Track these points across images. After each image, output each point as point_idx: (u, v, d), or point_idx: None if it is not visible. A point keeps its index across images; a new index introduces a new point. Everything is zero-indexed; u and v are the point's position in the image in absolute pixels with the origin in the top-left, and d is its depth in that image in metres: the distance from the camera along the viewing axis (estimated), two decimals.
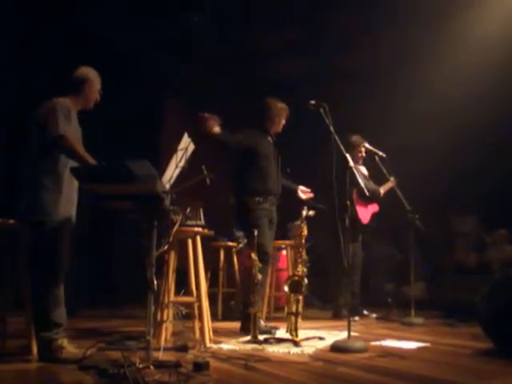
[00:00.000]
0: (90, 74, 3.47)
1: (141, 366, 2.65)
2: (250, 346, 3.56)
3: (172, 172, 3.32)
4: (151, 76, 7.16)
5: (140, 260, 3.93)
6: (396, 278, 7.33)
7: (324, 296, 6.53)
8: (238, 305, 5.77)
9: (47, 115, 3.19)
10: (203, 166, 5.13)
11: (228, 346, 3.60)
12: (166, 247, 3.35)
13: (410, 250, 5.20)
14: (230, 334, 4.34)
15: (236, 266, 5.78)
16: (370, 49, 7.45)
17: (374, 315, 5.51)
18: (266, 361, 3.06)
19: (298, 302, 3.66)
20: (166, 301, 3.68)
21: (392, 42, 7.18)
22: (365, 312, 5.51)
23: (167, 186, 3.36)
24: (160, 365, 2.76)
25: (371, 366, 2.93)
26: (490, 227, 7.68)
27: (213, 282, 5.71)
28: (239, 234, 5.70)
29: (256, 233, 3.99)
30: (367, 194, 4.13)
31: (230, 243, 5.80)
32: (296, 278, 3.71)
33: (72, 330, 4.00)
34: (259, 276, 3.82)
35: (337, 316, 5.38)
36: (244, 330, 4.17)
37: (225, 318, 5.42)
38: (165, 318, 3.68)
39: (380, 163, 5.11)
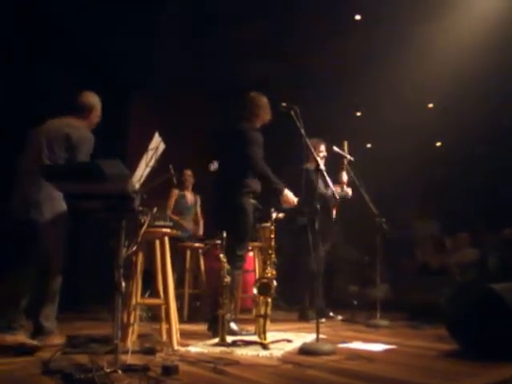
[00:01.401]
0: (96, 101, 3.92)
1: (108, 370, 2.59)
2: (218, 349, 3.54)
3: (142, 171, 3.27)
4: (118, 71, 7.03)
5: (105, 261, 3.89)
6: (360, 279, 7.42)
7: (290, 298, 6.54)
8: (204, 306, 5.74)
9: (80, 142, 3.67)
10: (170, 166, 5.08)
11: (196, 348, 3.56)
12: (134, 248, 3.30)
13: (377, 253, 5.25)
14: (197, 336, 4.30)
15: (202, 267, 5.75)
16: (336, 51, 7.52)
17: (340, 317, 5.55)
18: (234, 364, 3.03)
19: (266, 304, 3.64)
20: (134, 303, 3.62)
21: (358, 45, 7.29)
22: (331, 314, 5.54)
23: (137, 186, 3.31)
24: (128, 369, 2.70)
25: (340, 369, 2.94)
26: (451, 231, 7.87)
27: (179, 284, 5.65)
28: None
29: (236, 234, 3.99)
30: (337, 197, 4.15)
31: (197, 244, 5.75)
32: (265, 280, 3.69)
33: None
34: (227, 278, 3.78)
35: (303, 318, 5.39)
36: (213, 332, 4.14)
37: (191, 320, 5.37)
38: (132, 320, 3.62)
39: (348, 167, 5.14)
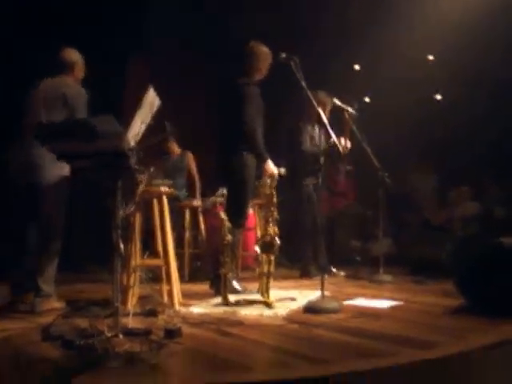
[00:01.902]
0: (77, 56, 3.89)
1: (109, 334, 2.51)
2: (221, 309, 3.46)
3: (138, 128, 3.11)
4: (114, 33, 6.79)
5: (104, 222, 3.79)
6: (362, 234, 7.36)
7: (291, 255, 6.47)
8: (205, 265, 5.68)
9: (77, 99, 3.66)
10: (166, 122, 4.92)
11: (198, 309, 3.49)
12: (132, 208, 3.20)
13: (380, 207, 5.15)
14: (199, 295, 4.23)
15: (202, 226, 5.65)
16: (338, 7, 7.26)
17: (343, 273, 5.48)
18: (238, 325, 2.97)
19: (269, 262, 3.56)
20: (133, 265, 3.53)
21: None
22: (333, 270, 5.48)
23: (132, 143, 3.17)
24: (129, 332, 2.62)
25: (346, 328, 2.87)
26: (452, 185, 7.78)
27: (178, 244, 5.57)
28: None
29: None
30: (341, 150, 4.02)
31: (195, 203, 5.64)
32: (267, 238, 3.59)
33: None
34: (228, 237, 3.68)
35: (306, 275, 5.33)
36: (215, 291, 4.08)
37: (192, 280, 5.31)
38: (132, 282, 3.54)
39: (350, 121, 4.98)
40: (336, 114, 5.20)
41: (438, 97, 9.38)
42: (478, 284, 3.29)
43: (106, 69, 6.65)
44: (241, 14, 7.37)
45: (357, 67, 9.33)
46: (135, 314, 3.19)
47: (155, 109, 3.29)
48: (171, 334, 2.58)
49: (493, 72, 7.51)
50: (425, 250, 5.60)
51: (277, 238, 3.56)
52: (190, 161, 6.15)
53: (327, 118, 5.17)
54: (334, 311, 3.28)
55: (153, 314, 3.26)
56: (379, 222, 5.25)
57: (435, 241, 6.30)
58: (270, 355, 2.47)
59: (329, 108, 5.20)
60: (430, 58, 8.84)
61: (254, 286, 3.96)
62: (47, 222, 3.64)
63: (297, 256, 5.78)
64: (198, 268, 5.70)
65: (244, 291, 4.12)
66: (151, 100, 3.12)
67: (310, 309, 3.34)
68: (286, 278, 5.32)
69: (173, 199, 5.28)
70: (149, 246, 4.01)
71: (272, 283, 3.73)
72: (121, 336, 2.54)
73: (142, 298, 3.80)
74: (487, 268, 3.24)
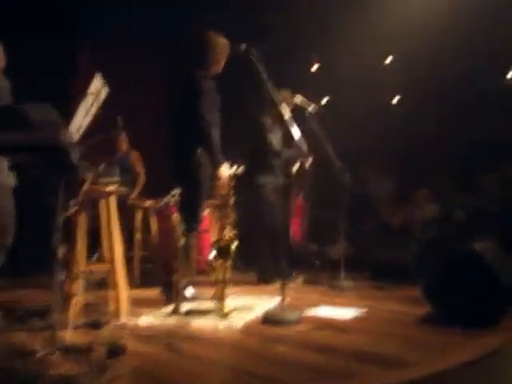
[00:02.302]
0: None
1: (43, 352, 2.20)
2: (172, 320, 3.17)
3: (81, 120, 2.80)
4: (64, 18, 6.41)
5: (45, 222, 3.45)
6: (318, 237, 7.16)
7: (246, 257, 6.20)
8: (156, 269, 5.37)
9: None
10: (119, 117, 4.58)
11: (147, 320, 3.19)
12: (74, 209, 2.88)
13: (341, 210, 4.95)
14: (149, 302, 3.93)
15: (154, 228, 5.33)
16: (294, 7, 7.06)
17: (301, 278, 5.26)
18: (192, 339, 2.68)
19: (225, 269, 3.29)
20: (77, 270, 3.21)
21: None
22: (293, 274, 5.24)
23: (76, 137, 2.85)
24: (68, 349, 2.32)
25: (310, 343, 2.63)
26: (410, 187, 7.69)
27: (128, 246, 5.24)
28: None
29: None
30: (305, 149, 3.79)
31: (147, 203, 5.31)
32: (223, 242, 3.32)
33: None
34: (182, 241, 3.39)
35: (262, 280, 5.08)
36: (166, 297, 3.80)
37: (143, 284, 4.98)
38: (75, 290, 3.21)
39: (311, 118, 4.76)
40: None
41: (395, 100, 9.34)
42: (446, 292, 3.12)
43: (53, 58, 6.30)
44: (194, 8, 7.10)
45: (314, 68, 9.20)
46: (77, 327, 2.88)
47: (102, 98, 2.99)
48: (114, 352, 2.29)
49: (453, 75, 7.47)
50: (384, 253, 5.44)
51: (233, 243, 3.29)
52: (135, 159, 5.86)
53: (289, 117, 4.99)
54: (295, 322, 3.05)
55: (96, 326, 2.95)
56: (337, 224, 5.05)
57: (394, 244, 6.17)
58: (226, 376, 2.20)
59: (291, 107, 4.98)
60: (388, 60, 8.78)
61: (209, 292, 3.68)
62: None
63: (253, 259, 5.53)
64: (149, 271, 5.37)
65: (198, 298, 3.84)
66: (98, 89, 2.82)
67: (268, 319, 3.09)
68: (242, 282, 5.03)
69: (122, 198, 4.98)
70: (97, 248, 3.70)
71: (228, 288, 3.46)
72: (57, 354, 2.23)
73: (87, 306, 3.48)
74: (457, 275, 3.07)
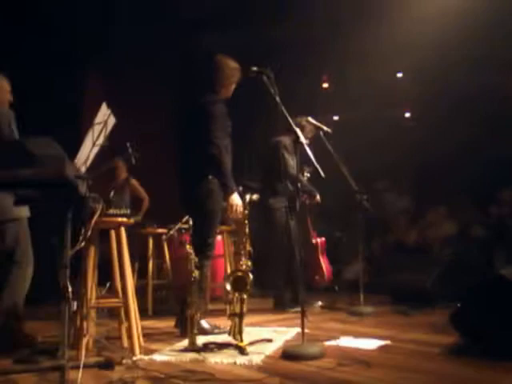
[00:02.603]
0: None
1: None
2: (188, 356, 3.02)
3: (88, 151, 2.70)
4: (71, 43, 6.37)
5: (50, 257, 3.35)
6: (335, 259, 7.00)
7: (262, 282, 6.05)
8: (170, 298, 5.25)
9: None
10: (128, 144, 4.49)
11: (162, 356, 3.04)
12: (82, 244, 2.76)
13: (358, 231, 4.80)
14: (163, 335, 3.83)
15: (167, 255, 5.20)
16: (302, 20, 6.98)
17: (319, 303, 5.09)
18: (209, 380, 2.52)
19: (241, 301, 3.14)
20: (88, 306, 3.08)
21: (325, 14, 6.78)
22: (315, 303, 5.08)
23: (83, 169, 2.75)
24: None
25: (335, 381, 2.45)
26: (426, 206, 7.53)
27: (141, 274, 5.13)
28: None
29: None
30: (322, 174, 3.66)
31: (160, 230, 5.19)
32: (239, 273, 3.18)
33: None
34: (195, 272, 3.25)
35: (279, 307, 4.93)
36: (180, 330, 3.67)
37: (156, 314, 4.86)
38: (85, 326, 3.07)
39: (325, 139, 4.64)
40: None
41: (407, 114, 9.23)
42: (475, 320, 2.93)
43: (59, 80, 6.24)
44: (205, 28, 7.04)
45: (325, 85, 9.13)
46: (88, 366, 2.74)
47: (110, 128, 2.90)
48: None
49: (470, 90, 7.35)
50: (402, 274, 5.26)
51: (250, 274, 3.15)
52: (135, 187, 5.76)
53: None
54: (317, 357, 2.88)
55: (108, 366, 2.80)
56: (353, 246, 4.89)
57: (411, 264, 6.00)
58: None
59: (307, 133, 4.89)
60: (399, 75, 8.69)
61: (224, 321, 3.52)
62: None
63: (269, 284, 5.39)
64: (163, 301, 5.25)
65: (213, 330, 3.70)
66: (104, 118, 2.72)
67: (289, 354, 2.93)
68: (258, 310, 4.89)
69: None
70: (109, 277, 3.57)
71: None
72: None
73: (98, 341, 3.36)
74: (486, 302, 2.89)
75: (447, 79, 7.33)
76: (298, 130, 3.19)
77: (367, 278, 6.07)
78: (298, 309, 4.20)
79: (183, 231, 5.23)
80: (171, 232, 5.09)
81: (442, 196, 7.54)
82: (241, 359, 2.89)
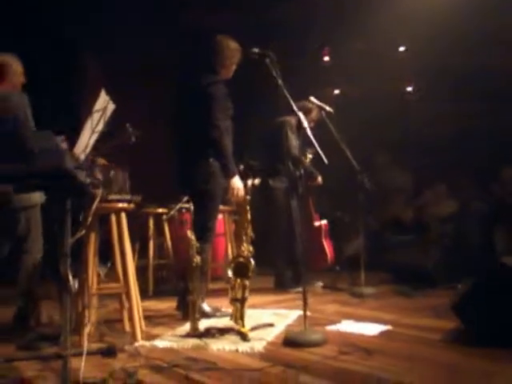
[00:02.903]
0: (7, 59, 3.33)
1: None
2: (190, 342, 3.02)
3: (87, 139, 2.66)
4: (61, 28, 6.26)
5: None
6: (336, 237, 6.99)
7: (262, 259, 6.03)
8: (170, 276, 5.25)
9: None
10: (127, 124, 4.42)
11: (164, 342, 3.05)
12: (82, 232, 2.73)
13: (359, 212, 4.78)
14: (164, 318, 3.83)
15: (167, 235, 5.18)
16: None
17: (320, 283, 5.10)
18: (211, 369, 2.51)
19: (243, 287, 3.13)
20: (88, 294, 3.07)
21: None
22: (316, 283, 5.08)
23: (82, 157, 2.71)
24: None
25: (337, 371, 2.45)
26: (426, 183, 7.49)
27: (142, 254, 5.12)
28: None
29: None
30: (325, 160, 3.62)
31: (160, 209, 5.16)
32: (241, 259, 3.17)
33: None
34: (197, 258, 3.23)
35: (280, 286, 4.94)
36: (182, 313, 3.67)
37: (157, 294, 4.86)
38: (87, 313, 3.07)
39: (327, 119, 4.58)
40: None
41: (409, 88, 9.12)
42: (476, 309, 2.92)
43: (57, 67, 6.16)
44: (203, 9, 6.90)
45: (326, 58, 9.00)
46: (90, 354, 2.73)
47: (109, 114, 2.85)
48: None
49: (477, 65, 7.26)
50: (405, 255, 5.25)
51: (251, 260, 3.13)
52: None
53: (312, 125, 4.82)
54: (319, 344, 2.89)
55: (111, 353, 2.80)
56: (353, 223, 4.87)
57: (412, 243, 6.01)
58: None
59: (314, 115, 4.83)
60: (401, 49, 8.56)
61: (225, 302, 3.48)
62: None
63: (269, 262, 5.39)
64: (164, 280, 5.26)
65: (215, 313, 3.71)
66: (103, 105, 2.67)
67: (291, 341, 2.93)
68: (258, 290, 4.88)
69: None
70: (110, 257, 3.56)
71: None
72: None
73: (100, 325, 3.36)
74: (488, 292, 2.88)
75: (452, 53, 7.22)
76: (300, 114, 3.14)
77: (366, 255, 6.07)
78: (299, 289, 4.24)
79: (183, 211, 5.20)
80: (172, 212, 5.06)
81: (442, 173, 7.51)
82: (243, 346, 2.90)
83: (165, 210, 5.15)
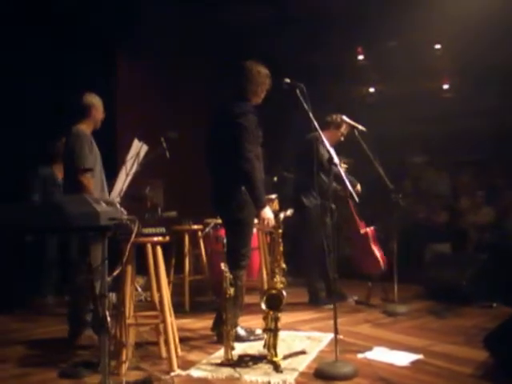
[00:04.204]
0: (95, 99, 3.91)
1: None
2: (224, 372, 3.11)
3: (122, 184, 2.78)
4: (100, 37, 6.40)
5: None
6: None
7: (296, 270, 6.07)
8: (207, 292, 5.36)
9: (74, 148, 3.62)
10: (162, 138, 4.51)
11: (198, 372, 3.15)
12: (119, 270, 2.85)
13: (394, 231, 4.77)
14: (200, 341, 3.92)
15: (203, 251, 5.29)
16: None
17: (355, 298, 5.14)
18: None
19: (276, 319, 3.21)
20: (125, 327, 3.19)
21: None
22: (350, 297, 5.12)
23: (117, 200, 2.82)
24: None
25: None
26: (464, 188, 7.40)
27: (178, 270, 5.25)
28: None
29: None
30: (356, 199, 3.63)
31: (196, 226, 5.26)
32: (274, 291, 3.24)
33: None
34: (230, 290, 3.32)
35: (314, 303, 5.00)
36: (217, 336, 3.77)
37: (193, 310, 4.98)
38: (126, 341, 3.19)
39: (360, 138, 4.60)
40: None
41: (445, 86, 9.01)
42: (509, 345, 2.93)
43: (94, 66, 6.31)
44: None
45: (360, 57, 8.97)
46: None
47: (143, 155, 2.95)
48: None
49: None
50: (441, 270, 5.22)
51: (284, 292, 3.20)
52: None
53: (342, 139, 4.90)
54: (349, 377, 2.94)
55: (147, 382, 2.93)
56: (393, 246, 4.83)
57: (448, 257, 5.97)
58: None
59: (343, 130, 4.87)
60: (437, 47, 8.44)
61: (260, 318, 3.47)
62: None
63: (301, 273, 5.45)
64: (200, 292, 5.38)
65: (249, 337, 3.79)
66: (137, 151, 2.78)
67: (321, 374, 3.00)
68: (294, 305, 4.94)
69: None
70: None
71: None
72: None
73: (139, 348, 3.48)
74: None
75: (490, 51, 7.12)
76: (331, 151, 3.17)
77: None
78: (331, 306, 4.28)
79: (218, 227, 5.29)
80: (207, 229, 5.17)
81: (481, 177, 7.40)
82: (275, 378, 2.98)
83: (200, 227, 5.25)
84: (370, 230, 5.29)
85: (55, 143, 5.36)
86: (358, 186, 5.07)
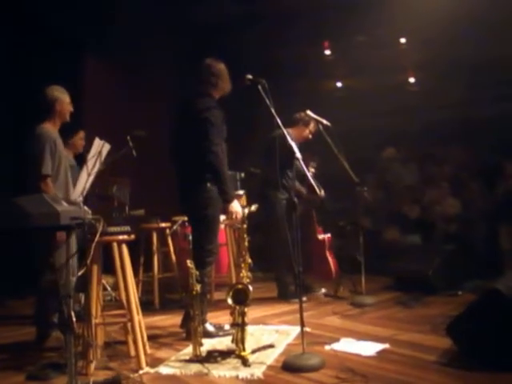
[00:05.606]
0: (57, 92, 3.68)
1: None
2: (192, 369, 3.12)
3: (84, 183, 2.76)
4: (66, 36, 6.33)
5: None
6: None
7: (265, 266, 6.09)
8: (176, 290, 5.35)
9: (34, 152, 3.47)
10: (128, 137, 4.49)
11: (167, 369, 3.16)
12: (83, 270, 2.83)
13: (358, 223, 4.85)
14: (169, 337, 3.92)
15: (171, 249, 5.28)
16: None
17: (323, 290, 5.19)
18: None
19: (243, 314, 3.23)
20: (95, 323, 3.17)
21: None
22: (319, 290, 5.18)
23: (80, 199, 2.80)
24: None
25: None
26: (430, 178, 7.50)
27: (146, 268, 5.24)
28: None
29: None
30: (319, 192, 3.66)
31: (163, 224, 5.25)
32: (240, 286, 3.26)
33: None
34: (197, 287, 3.33)
35: (282, 298, 5.02)
36: (186, 332, 3.78)
37: (163, 308, 4.98)
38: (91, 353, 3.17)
39: (325, 133, 4.64)
40: None
41: (412, 80, 9.14)
42: (470, 333, 2.99)
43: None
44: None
45: (327, 52, 9.03)
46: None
47: (105, 154, 2.94)
48: None
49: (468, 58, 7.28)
50: (407, 262, 5.31)
51: (250, 287, 3.22)
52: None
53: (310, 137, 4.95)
54: (316, 369, 2.98)
55: (116, 382, 2.92)
56: (359, 238, 4.89)
57: (415, 247, 6.07)
58: None
59: (312, 128, 4.91)
60: (402, 41, 8.55)
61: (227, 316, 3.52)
62: None
63: (270, 267, 5.48)
64: (169, 290, 5.38)
65: (218, 333, 3.80)
66: (98, 150, 2.76)
67: (289, 366, 3.03)
68: (262, 300, 4.98)
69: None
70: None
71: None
72: None
73: (107, 347, 3.47)
74: (482, 317, 2.94)
75: (454, 45, 7.23)
76: (294, 145, 3.20)
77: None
78: (303, 299, 4.32)
79: (186, 224, 5.28)
80: (175, 227, 5.16)
81: (446, 168, 7.52)
82: (243, 372, 3.00)
83: (168, 225, 5.24)
84: (327, 237, 5.38)
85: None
86: (322, 192, 5.12)
